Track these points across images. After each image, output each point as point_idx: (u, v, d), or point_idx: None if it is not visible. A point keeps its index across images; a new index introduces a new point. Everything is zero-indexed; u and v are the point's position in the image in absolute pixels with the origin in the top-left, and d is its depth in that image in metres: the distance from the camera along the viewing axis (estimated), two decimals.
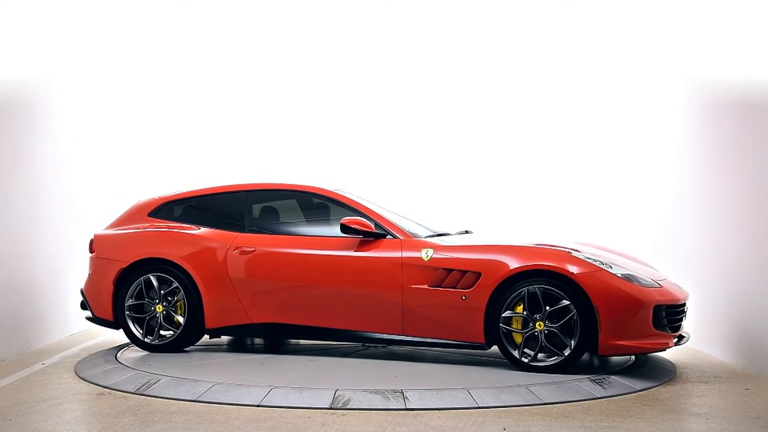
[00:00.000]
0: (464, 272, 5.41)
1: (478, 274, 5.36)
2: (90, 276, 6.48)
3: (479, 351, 5.79)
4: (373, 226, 5.78)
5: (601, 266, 5.17)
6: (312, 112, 9.31)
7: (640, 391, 4.83)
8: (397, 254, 5.63)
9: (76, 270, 7.87)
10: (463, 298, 5.39)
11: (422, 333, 5.58)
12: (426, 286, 5.50)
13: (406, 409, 4.33)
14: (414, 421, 4.10)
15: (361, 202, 6.09)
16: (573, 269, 5.13)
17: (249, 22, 9.16)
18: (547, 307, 5.15)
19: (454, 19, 9.28)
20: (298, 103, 9.30)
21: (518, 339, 5.25)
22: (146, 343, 6.20)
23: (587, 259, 5.21)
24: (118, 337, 7.34)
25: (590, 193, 8.83)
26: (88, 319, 6.53)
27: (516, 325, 5.26)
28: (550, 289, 5.16)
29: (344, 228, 5.72)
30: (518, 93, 9.20)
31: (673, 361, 5.80)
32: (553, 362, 5.16)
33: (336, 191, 6.21)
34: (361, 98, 9.33)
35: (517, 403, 4.44)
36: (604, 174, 8.69)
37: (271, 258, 5.98)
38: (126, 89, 8.76)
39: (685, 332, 5.52)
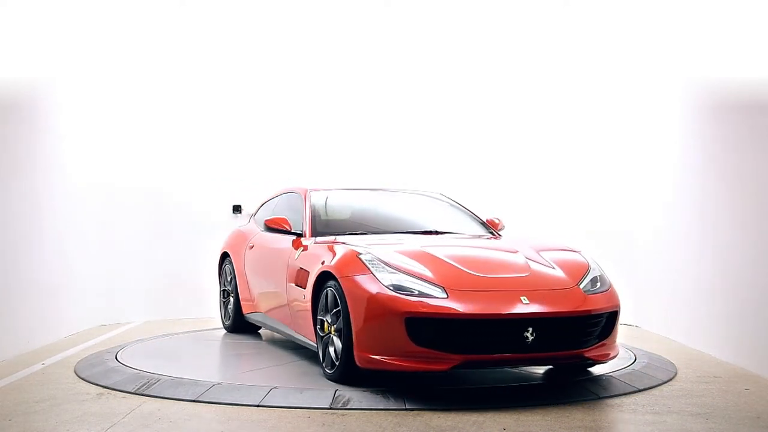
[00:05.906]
0: (307, 272, 5.26)
1: (308, 273, 5.22)
2: None
3: None
4: (290, 225, 5.82)
5: (373, 269, 4.61)
6: (330, 113, 9.29)
7: (640, 391, 4.83)
8: (288, 253, 5.71)
9: (76, 270, 7.87)
10: (303, 297, 5.27)
11: (299, 331, 5.50)
12: (293, 284, 5.49)
13: (406, 409, 4.33)
14: (414, 421, 4.10)
15: (309, 201, 6.10)
16: (339, 272, 4.73)
17: (251, 24, 9.15)
18: (334, 311, 4.80)
19: (454, 19, 9.27)
20: (313, 104, 9.27)
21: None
22: (224, 323, 7.27)
23: (366, 262, 4.68)
24: (118, 337, 7.36)
25: (590, 192, 8.81)
26: None
27: (327, 329, 4.91)
28: (336, 293, 4.78)
29: (265, 227, 6.04)
30: (518, 93, 9.19)
31: (673, 361, 5.80)
32: (331, 373, 4.81)
33: (307, 189, 6.32)
34: (362, 96, 9.33)
35: (517, 403, 4.44)
36: (603, 173, 8.68)
37: (257, 254, 6.54)
38: (129, 89, 8.74)
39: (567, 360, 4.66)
